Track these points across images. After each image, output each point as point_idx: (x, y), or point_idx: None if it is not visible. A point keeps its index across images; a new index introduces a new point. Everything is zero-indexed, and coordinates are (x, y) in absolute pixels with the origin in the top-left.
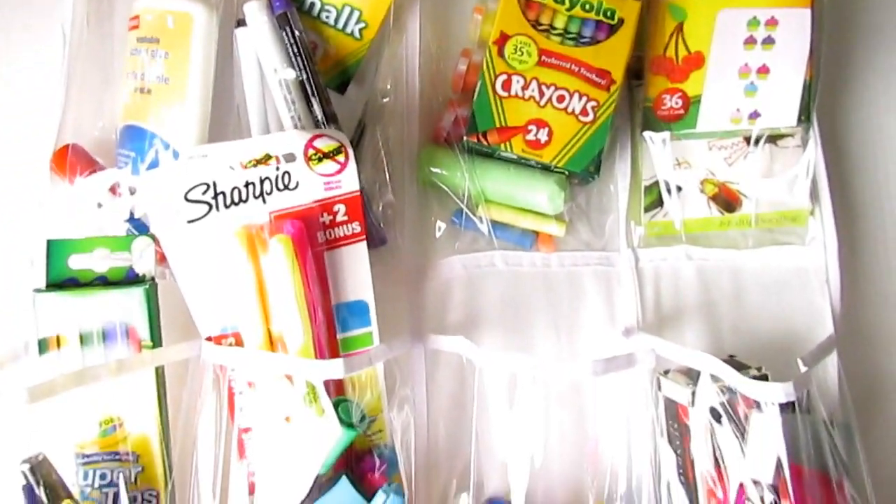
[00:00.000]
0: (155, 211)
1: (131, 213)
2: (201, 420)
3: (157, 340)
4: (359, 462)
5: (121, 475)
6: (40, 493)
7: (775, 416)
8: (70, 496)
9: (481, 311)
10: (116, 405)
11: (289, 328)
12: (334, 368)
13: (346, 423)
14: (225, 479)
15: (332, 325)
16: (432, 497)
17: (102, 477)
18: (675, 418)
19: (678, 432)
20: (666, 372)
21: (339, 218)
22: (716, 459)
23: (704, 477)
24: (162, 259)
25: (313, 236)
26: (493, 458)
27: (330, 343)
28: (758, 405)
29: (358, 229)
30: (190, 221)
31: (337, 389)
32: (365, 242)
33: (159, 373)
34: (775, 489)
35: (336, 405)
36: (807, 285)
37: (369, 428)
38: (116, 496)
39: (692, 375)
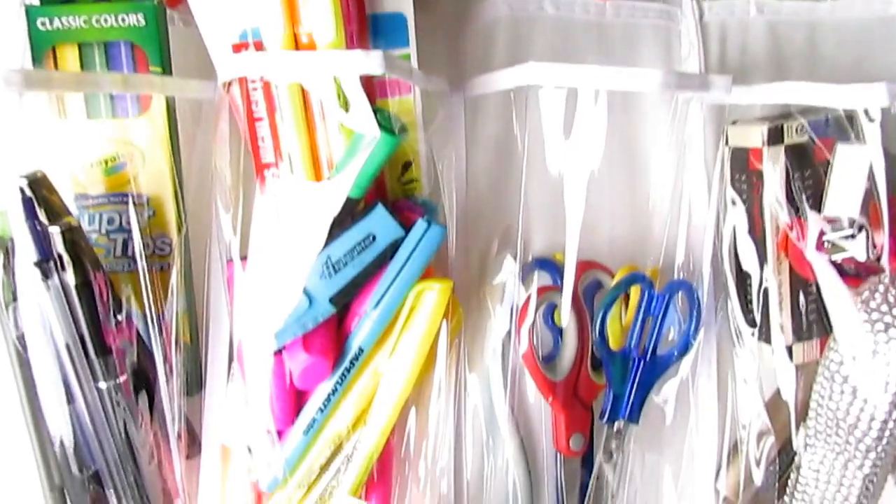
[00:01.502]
0: None
1: None
2: (218, 153)
3: (166, 68)
4: (393, 208)
5: (133, 217)
6: (40, 210)
7: (874, 130)
8: (71, 215)
9: (525, 62)
10: (123, 141)
11: (318, 25)
12: (372, 62)
13: (386, 129)
14: (247, 212)
15: (366, 36)
16: (471, 257)
17: (110, 221)
18: (745, 167)
19: (747, 184)
20: (734, 122)
21: None
22: (791, 205)
23: (777, 225)
24: None
25: None
26: (539, 217)
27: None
28: (842, 135)
29: None
30: None
31: None
32: None
33: (170, 107)
34: (861, 223)
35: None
36: (892, 37)
37: (404, 174)
38: (126, 242)
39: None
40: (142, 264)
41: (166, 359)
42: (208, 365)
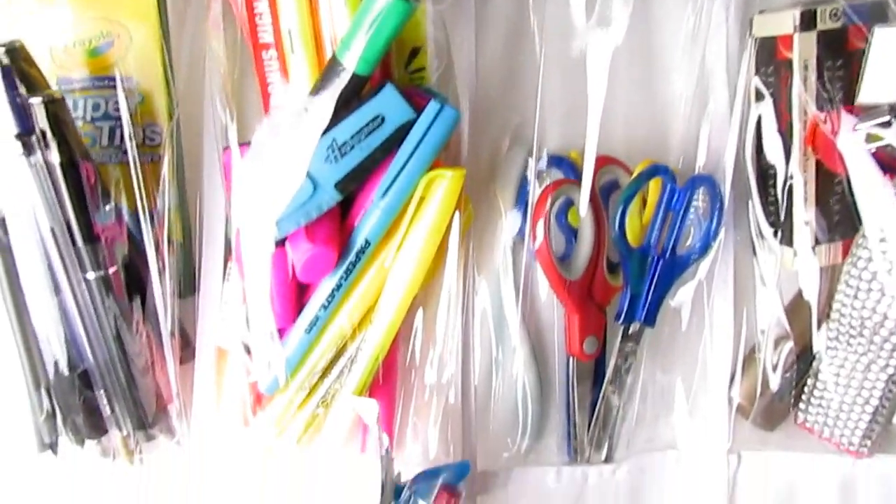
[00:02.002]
0: None
1: None
2: (212, 34)
3: None
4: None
5: (122, 101)
6: (19, 83)
7: None
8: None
9: None
10: (107, 19)
11: None
12: None
13: None
14: (242, 97)
15: None
16: (480, 156)
17: (95, 107)
18: (772, 58)
19: (774, 76)
20: (761, 11)
21: None
22: (822, 94)
23: (804, 119)
24: None
25: None
26: (552, 114)
27: None
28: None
29: None
30: None
31: None
32: None
33: None
34: None
35: None
36: None
37: (411, 62)
38: (113, 131)
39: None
40: (132, 153)
41: (159, 256)
42: (202, 263)
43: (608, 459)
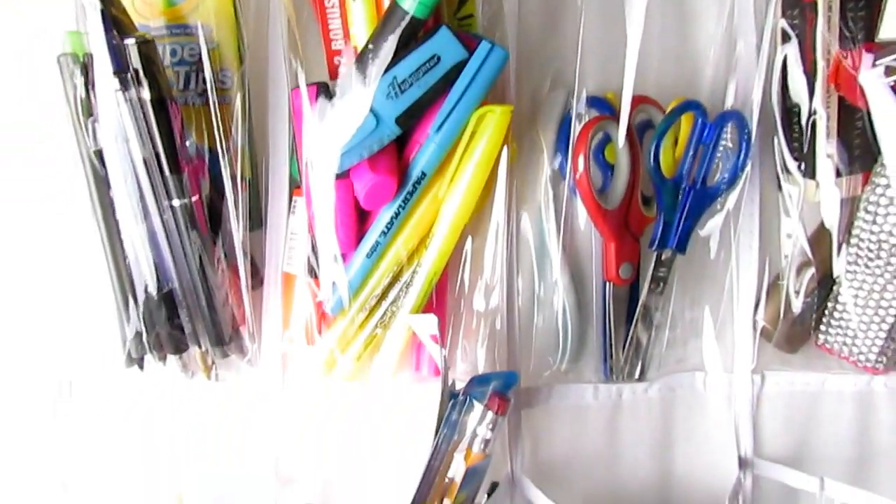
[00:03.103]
0: None
1: None
2: None
3: None
4: None
5: (203, 46)
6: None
7: None
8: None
9: None
10: None
11: None
12: None
13: None
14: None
15: None
16: (522, 98)
17: (172, 53)
18: (798, 0)
19: (799, 18)
20: None
21: None
22: (844, 33)
23: (828, 58)
24: None
25: None
26: (590, 58)
27: None
28: None
29: None
30: None
31: None
32: None
33: None
34: None
35: None
36: None
37: (461, 9)
38: (189, 76)
39: None
40: (212, 95)
41: (234, 192)
42: (270, 198)
43: (641, 378)
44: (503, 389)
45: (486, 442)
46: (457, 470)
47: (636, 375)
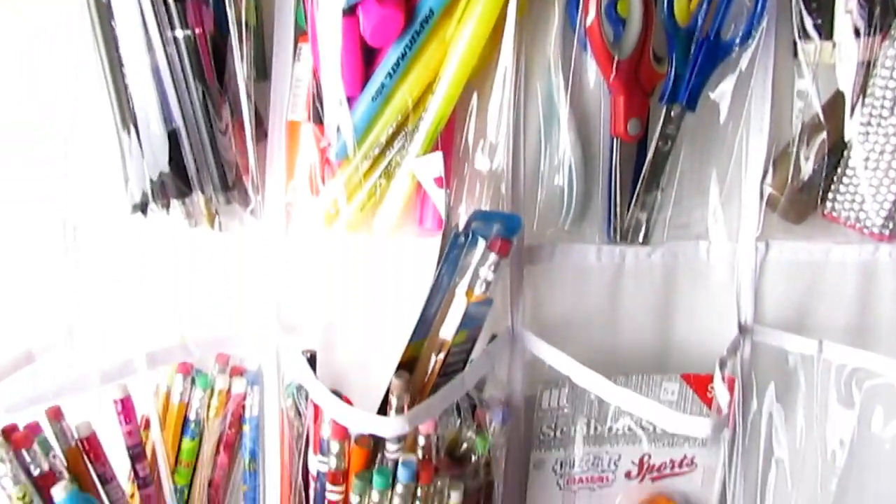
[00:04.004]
0: None
1: None
2: None
3: None
4: None
5: None
6: None
7: None
8: None
9: None
10: None
11: None
12: None
13: None
14: None
15: None
16: None
17: None
18: None
19: None
20: None
21: None
22: None
23: None
24: None
25: None
26: None
27: None
28: None
29: None
30: None
31: None
32: None
33: None
34: None
35: None
36: None
37: None
38: None
39: None
40: None
41: (238, 38)
42: (275, 45)
43: (645, 242)
44: (506, 235)
45: (488, 284)
46: (458, 306)
47: (640, 239)
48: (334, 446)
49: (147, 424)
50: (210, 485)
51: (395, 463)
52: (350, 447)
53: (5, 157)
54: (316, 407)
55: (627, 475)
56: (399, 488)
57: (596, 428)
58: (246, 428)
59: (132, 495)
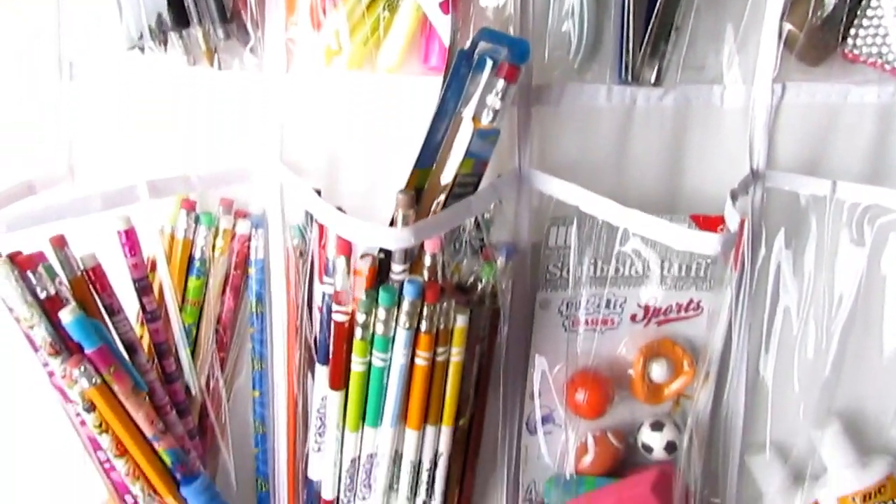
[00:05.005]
0: None
1: None
2: None
3: None
4: None
5: None
6: None
7: None
8: None
9: None
10: None
11: None
12: None
13: None
14: None
15: None
16: None
17: None
18: None
19: None
20: None
21: None
22: None
23: None
24: None
25: None
26: None
27: None
28: None
29: None
30: None
31: None
32: None
33: None
34: None
35: None
36: None
37: None
38: None
39: None
40: None
41: None
42: None
43: (657, 83)
44: (514, 61)
45: (495, 112)
46: (465, 132)
47: (652, 80)
48: (339, 264)
49: (153, 266)
50: (218, 322)
51: (401, 284)
52: (355, 265)
53: None
54: (321, 229)
55: (633, 318)
56: (405, 306)
57: (602, 269)
58: (251, 270)
59: (141, 337)
